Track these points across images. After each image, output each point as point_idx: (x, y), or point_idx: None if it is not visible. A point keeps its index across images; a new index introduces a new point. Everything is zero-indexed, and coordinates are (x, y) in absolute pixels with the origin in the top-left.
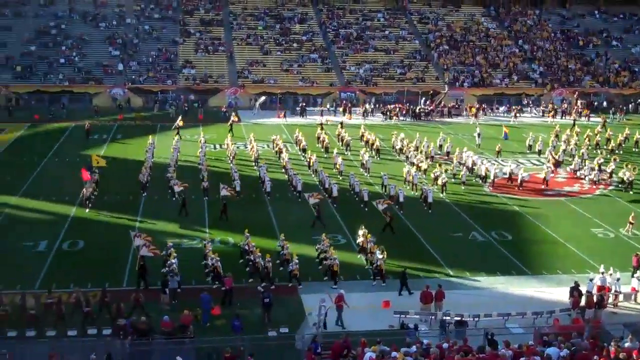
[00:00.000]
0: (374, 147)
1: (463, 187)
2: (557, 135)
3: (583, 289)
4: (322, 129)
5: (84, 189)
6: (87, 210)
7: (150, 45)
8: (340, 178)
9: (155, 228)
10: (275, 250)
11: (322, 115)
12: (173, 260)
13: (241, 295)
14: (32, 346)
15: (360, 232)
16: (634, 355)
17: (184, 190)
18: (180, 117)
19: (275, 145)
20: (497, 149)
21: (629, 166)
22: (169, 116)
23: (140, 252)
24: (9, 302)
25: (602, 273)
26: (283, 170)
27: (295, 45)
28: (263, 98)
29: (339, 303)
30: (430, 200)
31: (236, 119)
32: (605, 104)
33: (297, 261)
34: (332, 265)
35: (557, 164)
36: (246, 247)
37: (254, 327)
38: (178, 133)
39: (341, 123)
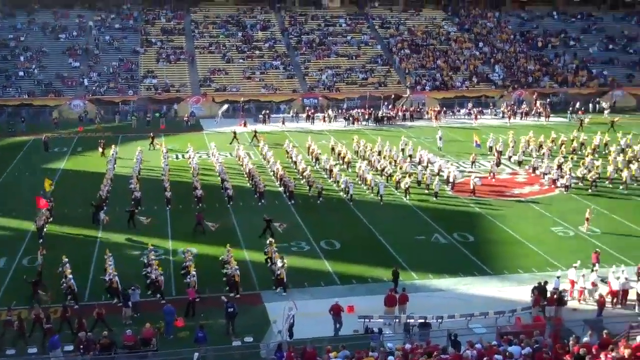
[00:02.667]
0: (345, 159)
1: (435, 198)
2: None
3: (550, 286)
4: (255, 136)
5: (37, 219)
6: (40, 240)
7: (111, 55)
8: (302, 182)
9: (118, 240)
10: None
11: (283, 122)
12: (112, 272)
13: (205, 305)
14: None
15: (267, 242)
16: (594, 351)
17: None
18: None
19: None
20: (471, 159)
21: (587, 164)
22: (131, 126)
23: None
24: None
25: (575, 267)
26: (247, 176)
27: (257, 52)
28: (226, 106)
29: (337, 313)
30: (381, 192)
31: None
32: (577, 104)
33: (237, 267)
34: (234, 275)
35: (499, 162)
36: (148, 262)
37: (219, 338)
38: (152, 143)
39: (255, 132)
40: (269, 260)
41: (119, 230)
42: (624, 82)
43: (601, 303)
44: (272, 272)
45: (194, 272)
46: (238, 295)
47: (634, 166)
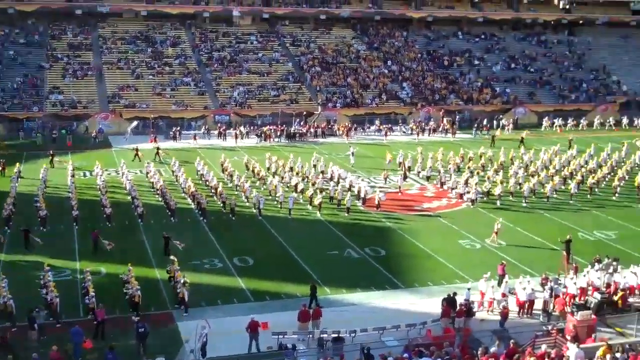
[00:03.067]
0: (259, 176)
1: (348, 213)
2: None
3: (461, 298)
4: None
5: None
6: None
7: (16, 71)
8: (214, 198)
9: (23, 261)
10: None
11: (195, 139)
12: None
13: (115, 326)
14: None
15: (170, 260)
16: None
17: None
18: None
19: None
20: (384, 176)
21: (491, 178)
22: (35, 144)
23: None
24: None
25: (485, 278)
26: (158, 194)
27: (167, 68)
28: (135, 123)
29: (254, 329)
30: (290, 206)
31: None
32: (485, 121)
33: (138, 287)
34: (134, 296)
35: (406, 176)
36: (44, 284)
37: (129, 359)
38: (52, 161)
39: (158, 149)
40: (171, 279)
41: (22, 251)
42: (526, 99)
43: (504, 314)
44: (174, 291)
45: (93, 293)
46: (137, 317)
47: (533, 180)
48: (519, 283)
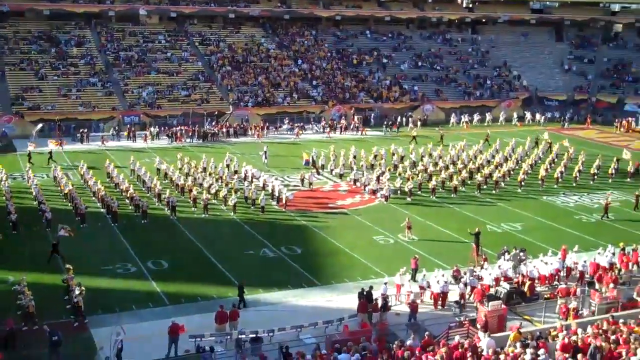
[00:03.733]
0: (173, 181)
1: (262, 213)
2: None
3: (378, 293)
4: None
5: None
6: None
7: None
8: (127, 202)
9: None
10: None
11: (103, 141)
12: None
13: (26, 336)
14: None
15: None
16: (417, 352)
17: None
18: None
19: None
20: (300, 177)
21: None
22: None
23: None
24: None
25: (400, 272)
26: (66, 198)
27: (72, 69)
28: (40, 125)
29: (175, 333)
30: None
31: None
32: (399, 119)
33: (31, 297)
34: (28, 307)
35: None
36: None
37: None
38: None
39: (50, 152)
40: (67, 287)
41: None
42: (433, 97)
43: (414, 307)
44: (69, 300)
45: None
46: (26, 327)
47: (442, 174)
48: (434, 277)
